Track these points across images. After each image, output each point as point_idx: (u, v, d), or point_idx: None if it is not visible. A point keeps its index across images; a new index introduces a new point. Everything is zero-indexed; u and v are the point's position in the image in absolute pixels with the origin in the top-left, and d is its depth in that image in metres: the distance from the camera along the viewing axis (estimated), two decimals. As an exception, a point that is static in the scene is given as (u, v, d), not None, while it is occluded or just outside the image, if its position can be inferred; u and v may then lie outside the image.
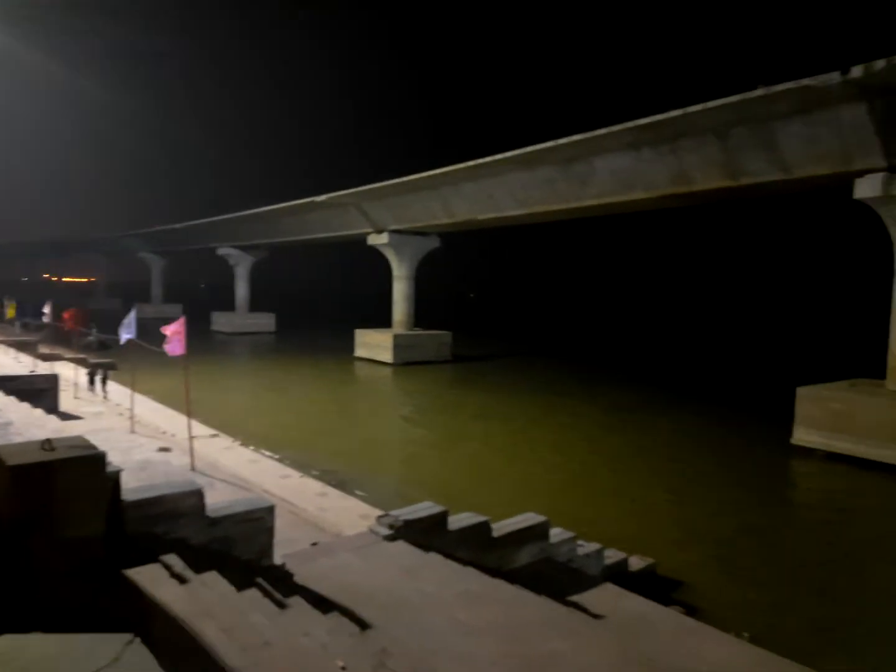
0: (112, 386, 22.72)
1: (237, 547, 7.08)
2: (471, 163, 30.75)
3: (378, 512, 9.77)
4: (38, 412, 14.94)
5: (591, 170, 26.97)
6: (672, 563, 11.56)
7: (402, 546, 7.94)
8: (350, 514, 10.74)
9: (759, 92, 19.09)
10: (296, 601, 6.06)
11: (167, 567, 6.18)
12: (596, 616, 6.84)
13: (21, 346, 31.41)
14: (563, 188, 28.87)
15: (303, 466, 15.06)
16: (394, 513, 8.48)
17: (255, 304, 65.68)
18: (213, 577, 6.11)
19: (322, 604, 6.08)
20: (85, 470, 6.24)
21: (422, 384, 34.12)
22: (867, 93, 17.57)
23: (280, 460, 15.39)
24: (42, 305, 30.50)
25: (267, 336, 60.30)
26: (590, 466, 18.81)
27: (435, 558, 7.75)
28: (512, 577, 7.97)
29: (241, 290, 64.45)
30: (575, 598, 7.37)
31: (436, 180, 34.01)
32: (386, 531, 8.14)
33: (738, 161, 21.96)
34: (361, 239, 44.13)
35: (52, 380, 19.06)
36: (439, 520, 8.49)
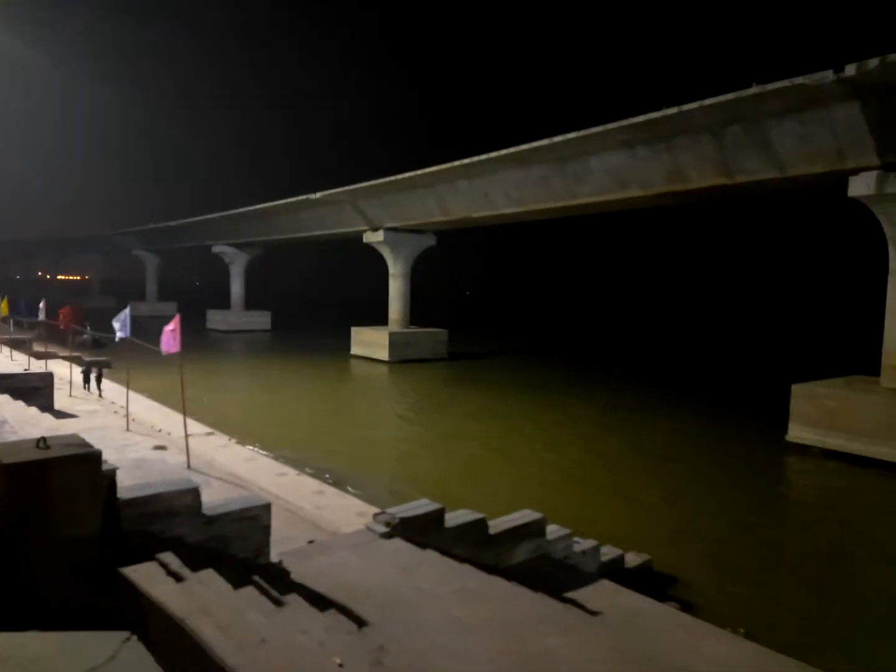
0: (107, 384, 22.65)
1: (233, 545, 7.07)
2: (466, 161, 30.78)
3: (375, 510, 9.76)
4: (33, 410, 14.91)
5: (586, 168, 26.99)
6: (668, 559, 11.59)
7: (398, 543, 7.94)
8: (347, 511, 10.74)
9: (753, 90, 19.15)
10: (292, 599, 6.06)
11: (163, 565, 6.18)
12: (592, 612, 6.86)
13: (15, 345, 31.32)
14: (558, 186, 28.90)
15: (299, 464, 15.06)
16: (390, 510, 8.48)
17: (251, 303, 65.61)
18: (209, 575, 6.11)
19: (319, 601, 6.08)
20: (80, 468, 6.22)
21: (418, 382, 34.11)
22: (861, 91, 17.63)
23: (276, 458, 15.38)
24: (34, 302, 30.38)
25: (262, 334, 60.24)
26: (586, 465, 18.84)
27: (431, 556, 7.75)
28: (508, 574, 7.98)
29: (237, 288, 64.35)
30: (571, 594, 7.39)
31: (431, 178, 34.00)
32: (383, 529, 8.14)
33: (732, 159, 22.02)
34: (357, 237, 44.07)
35: (47, 378, 19.00)
36: (436, 517, 8.49)
